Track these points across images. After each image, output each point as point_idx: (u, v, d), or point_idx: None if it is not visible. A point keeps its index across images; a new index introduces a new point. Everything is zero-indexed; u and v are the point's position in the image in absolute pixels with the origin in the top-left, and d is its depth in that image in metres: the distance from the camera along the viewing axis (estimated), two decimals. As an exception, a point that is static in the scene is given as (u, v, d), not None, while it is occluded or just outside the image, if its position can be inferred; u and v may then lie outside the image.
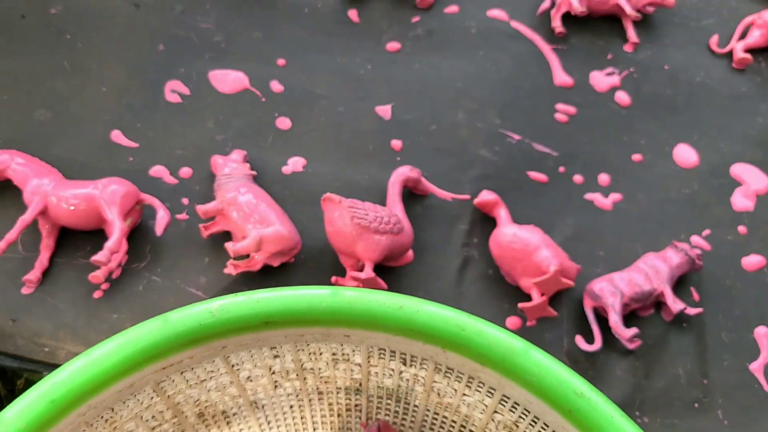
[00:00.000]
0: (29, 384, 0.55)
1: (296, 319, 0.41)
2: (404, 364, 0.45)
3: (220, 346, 0.42)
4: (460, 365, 0.42)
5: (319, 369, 0.47)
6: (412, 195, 0.63)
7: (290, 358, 0.46)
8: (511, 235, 0.58)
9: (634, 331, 0.55)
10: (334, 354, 0.45)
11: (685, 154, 0.69)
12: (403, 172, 0.61)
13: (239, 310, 0.40)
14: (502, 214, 0.60)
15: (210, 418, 0.48)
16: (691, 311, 0.58)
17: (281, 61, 0.70)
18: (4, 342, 0.53)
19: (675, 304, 0.58)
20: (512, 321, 0.58)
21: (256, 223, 0.55)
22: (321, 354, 0.46)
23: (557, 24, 0.73)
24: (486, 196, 0.61)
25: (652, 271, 0.59)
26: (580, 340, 0.57)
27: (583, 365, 0.56)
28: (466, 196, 0.63)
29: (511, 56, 0.72)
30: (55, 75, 0.66)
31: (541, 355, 0.39)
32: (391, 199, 0.60)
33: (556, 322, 0.58)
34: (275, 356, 0.46)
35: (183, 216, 0.60)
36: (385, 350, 0.44)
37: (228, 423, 0.49)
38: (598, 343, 0.56)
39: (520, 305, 0.57)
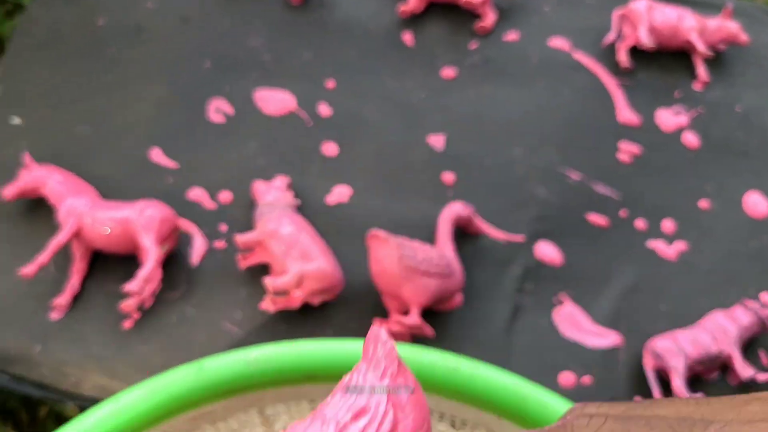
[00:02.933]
0: (52, 413, 0.52)
1: (341, 374, 0.38)
2: (453, 426, 0.41)
3: (256, 398, 0.39)
4: (517, 437, 0.38)
5: (360, 424, 0.43)
6: (463, 234, 0.59)
7: (330, 413, 0.42)
8: None
9: (700, 397, 0.51)
10: (377, 411, 0.42)
11: (756, 203, 0.64)
12: (455, 209, 0.58)
13: (280, 362, 0.37)
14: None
15: (239, 469, 0.45)
16: (761, 377, 0.54)
17: (330, 83, 0.67)
18: (29, 369, 0.50)
19: (744, 370, 0.53)
20: (565, 377, 0.54)
21: (297, 257, 0.52)
22: (363, 411, 0.42)
23: (623, 58, 0.69)
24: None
25: (719, 332, 0.54)
26: (639, 404, 0.53)
27: (642, 431, 0.52)
28: (520, 238, 0.59)
29: (572, 89, 0.68)
30: (97, 89, 0.64)
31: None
32: (441, 238, 0.56)
33: (613, 382, 0.54)
34: (314, 410, 0.42)
35: (221, 244, 0.57)
36: (433, 411, 0.40)
37: (258, 474, 0.46)
38: (659, 408, 0.52)
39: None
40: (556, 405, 0.36)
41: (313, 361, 0.37)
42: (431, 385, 0.37)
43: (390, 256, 0.51)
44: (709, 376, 0.55)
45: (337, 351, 0.37)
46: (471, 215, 0.58)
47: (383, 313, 0.55)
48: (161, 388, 0.37)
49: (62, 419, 0.53)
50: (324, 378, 0.38)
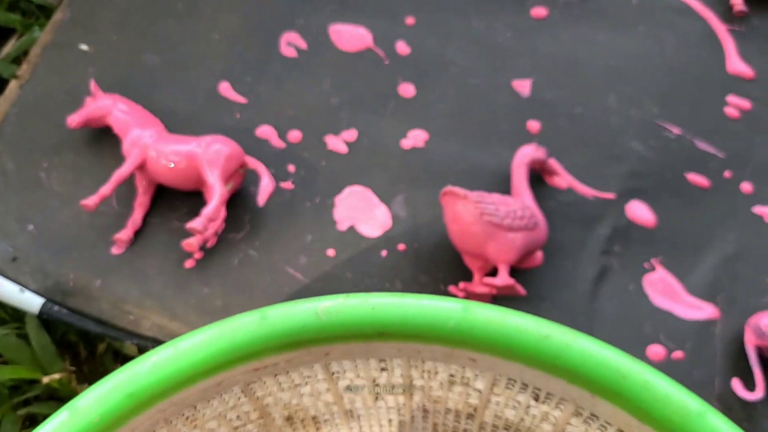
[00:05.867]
0: (110, 349, 0.51)
1: (416, 334, 0.34)
2: (536, 399, 0.37)
3: (322, 353, 0.36)
4: (610, 416, 0.34)
5: (431, 387, 0.40)
6: (545, 187, 0.54)
7: (399, 373, 0.39)
8: None
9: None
10: (452, 375, 0.38)
11: None
12: (528, 152, 0.53)
13: (350, 316, 0.34)
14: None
15: (299, 422, 0.42)
16: None
17: (410, 20, 0.62)
18: (89, 304, 0.49)
19: None
20: (654, 350, 0.49)
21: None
22: (437, 374, 0.39)
23: (737, 1, 0.61)
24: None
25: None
26: (737, 385, 0.48)
27: (738, 414, 0.47)
28: (611, 195, 0.54)
29: (676, 35, 0.61)
30: (167, 16, 0.61)
31: (722, 422, 0.31)
32: (517, 186, 0.52)
33: (708, 359, 0.49)
34: (382, 369, 0.39)
35: (288, 185, 0.54)
36: (515, 381, 0.37)
37: (318, 428, 0.43)
38: (759, 392, 0.47)
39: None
40: (660, 385, 0.31)
41: (387, 317, 0.34)
42: (519, 352, 0.33)
43: (469, 213, 0.47)
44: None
45: (414, 308, 0.34)
46: (545, 157, 0.53)
47: (456, 266, 0.51)
48: (222, 335, 0.34)
49: (120, 356, 0.51)
50: (396, 336, 0.34)
